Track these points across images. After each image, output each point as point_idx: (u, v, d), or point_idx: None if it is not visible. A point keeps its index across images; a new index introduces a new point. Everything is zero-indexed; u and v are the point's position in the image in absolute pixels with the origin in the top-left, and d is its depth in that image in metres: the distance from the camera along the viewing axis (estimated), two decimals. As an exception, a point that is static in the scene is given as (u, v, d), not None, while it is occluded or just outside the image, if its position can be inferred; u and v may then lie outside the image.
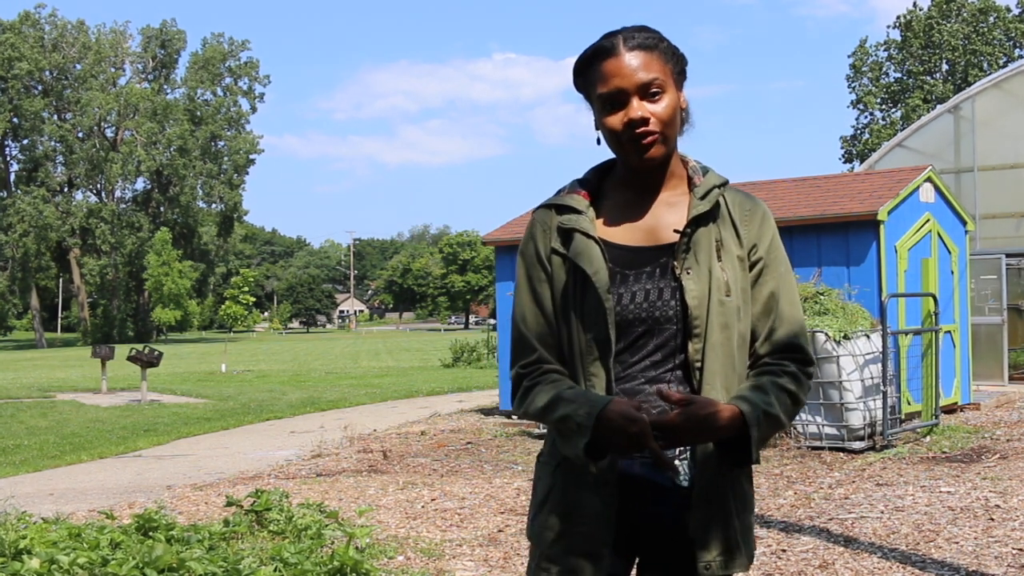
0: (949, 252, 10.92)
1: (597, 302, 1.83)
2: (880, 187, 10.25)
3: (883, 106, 50.51)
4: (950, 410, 10.53)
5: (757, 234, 1.90)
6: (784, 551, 5.10)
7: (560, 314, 1.89)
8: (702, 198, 1.87)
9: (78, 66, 66.27)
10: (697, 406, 1.71)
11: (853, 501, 6.29)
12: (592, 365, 1.84)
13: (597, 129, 1.90)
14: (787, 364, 1.85)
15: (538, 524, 1.91)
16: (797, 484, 6.95)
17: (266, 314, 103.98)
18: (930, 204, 10.59)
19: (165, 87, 70.42)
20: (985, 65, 45.85)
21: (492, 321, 50.10)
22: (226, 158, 70.14)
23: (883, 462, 7.77)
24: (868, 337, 8.73)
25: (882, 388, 8.56)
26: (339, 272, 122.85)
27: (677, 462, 1.82)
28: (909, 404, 9.47)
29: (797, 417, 8.62)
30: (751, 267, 1.89)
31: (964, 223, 11.39)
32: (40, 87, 65.88)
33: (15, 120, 64.69)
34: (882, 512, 5.92)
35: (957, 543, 5.13)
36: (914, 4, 49.01)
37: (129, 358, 15.96)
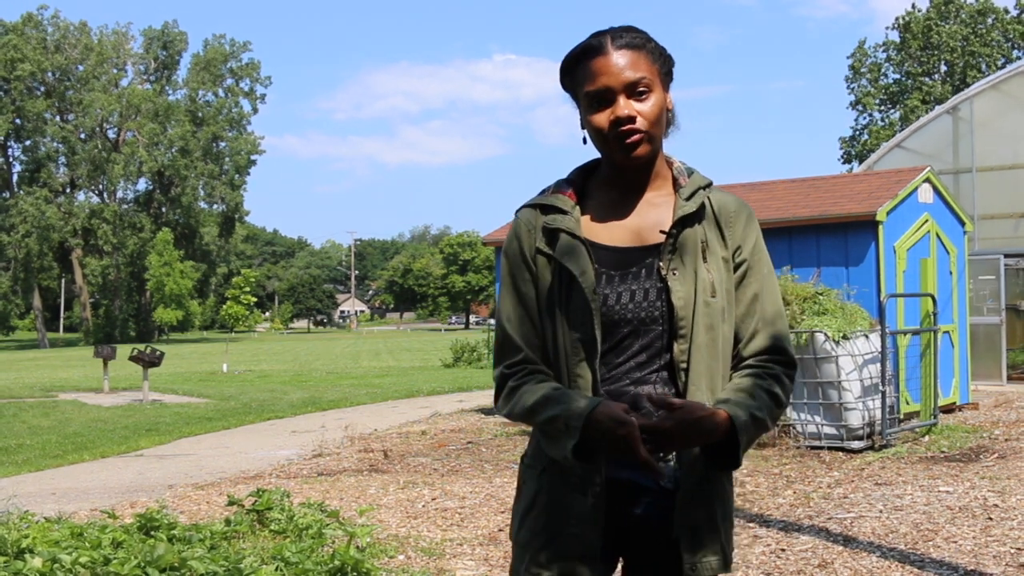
0: (948, 252, 10.94)
1: (583, 302, 1.82)
2: (879, 188, 10.27)
3: (882, 107, 50.52)
4: (949, 410, 10.54)
5: (742, 235, 1.90)
6: (783, 550, 5.12)
7: (545, 314, 1.88)
8: (688, 199, 1.87)
9: (80, 67, 66.33)
10: (686, 410, 1.69)
11: (852, 500, 6.31)
12: (577, 366, 1.83)
13: (583, 128, 1.89)
14: (771, 366, 1.85)
15: (527, 529, 1.89)
16: (796, 483, 6.97)
17: (267, 314, 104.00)
18: (929, 205, 10.61)
19: (167, 88, 70.48)
20: (983, 66, 45.86)
21: (492, 321, 50.07)
22: (227, 159, 70.21)
23: (882, 462, 7.80)
24: (867, 337, 8.75)
25: (881, 388, 8.58)
26: (340, 272, 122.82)
27: (662, 464, 1.81)
28: (908, 404, 9.49)
29: (796, 417, 8.66)
30: (735, 268, 1.89)
31: (963, 224, 11.41)
32: (42, 88, 65.94)
33: (18, 121, 64.76)
34: (881, 511, 5.94)
35: (956, 542, 5.15)
36: (913, 5, 49.03)
37: (131, 358, 15.98)
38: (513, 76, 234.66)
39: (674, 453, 1.82)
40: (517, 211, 1.96)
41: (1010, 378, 14.05)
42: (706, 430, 1.70)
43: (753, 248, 1.91)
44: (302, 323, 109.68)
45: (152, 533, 4.80)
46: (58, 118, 66.39)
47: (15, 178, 67.12)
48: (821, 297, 9.11)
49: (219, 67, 69.94)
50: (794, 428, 8.65)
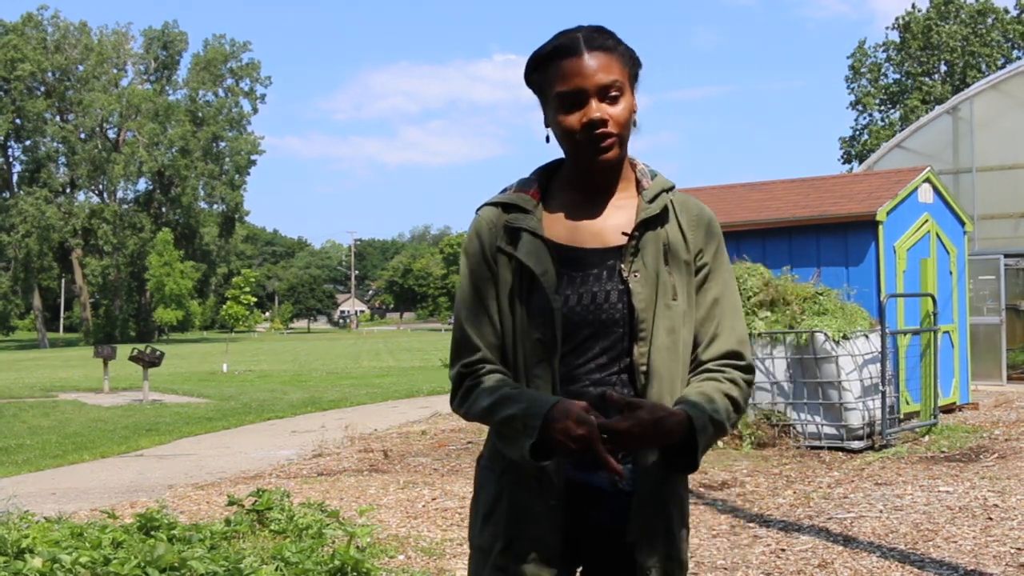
0: (948, 252, 10.94)
1: (544, 302, 1.81)
2: (879, 188, 10.27)
3: (882, 107, 50.54)
4: (948, 410, 10.55)
5: (704, 240, 1.89)
6: (783, 550, 5.12)
7: (504, 314, 1.85)
8: (651, 201, 1.86)
9: (80, 67, 66.35)
10: (646, 410, 1.68)
11: (852, 500, 6.31)
12: (537, 367, 1.81)
13: (547, 126, 1.87)
14: (729, 371, 1.85)
15: (488, 532, 1.87)
16: (796, 483, 6.97)
17: (267, 314, 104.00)
18: (929, 205, 10.61)
19: (167, 88, 70.50)
20: (983, 66, 45.87)
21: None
22: (227, 159, 70.22)
23: (882, 462, 7.80)
24: (867, 337, 8.75)
25: (881, 388, 8.58)
26: (340, 272, 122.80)
27: (620, 465, 1.76)
28: (908, 404, 9.49)
29: (796, 417, 8.66)
30: (696, 272, 1.88)
31: (963, 224, 11.41)
32: (43, 88, 65.95)
33: (18, 121, 64.77)
34: (881, 511, 5.94)
35: (955, 542, 5.15)
36: (913, 5, 49.06)
37: (131, 358, 15.98)
38: (513, 76, 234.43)
39: (632, 455, 1.80)
40: (478, 209, 1.94)
41: (1010, 378, 14.05)
42: (666, 431, 1.69)
43: (715, 252, 1.90)
44: (302, 323, 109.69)
45: (152, 533, 4.80)
46: (58, 118, 66.40)
47: (15, 178, 67.17)
48: (821, 297, 9.11)
49: (219, 67, 69.96)
50: (794, 428, 8.65)
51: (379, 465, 8.47)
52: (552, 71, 1.82)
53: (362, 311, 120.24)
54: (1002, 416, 10.32)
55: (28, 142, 66.14)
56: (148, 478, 8.43)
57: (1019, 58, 44.70)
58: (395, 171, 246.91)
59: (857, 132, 50.67)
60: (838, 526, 5.62)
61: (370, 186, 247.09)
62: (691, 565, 4.93)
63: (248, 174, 71.97)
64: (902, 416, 9.18)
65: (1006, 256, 14.55)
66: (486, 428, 1.91)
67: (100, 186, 68.36)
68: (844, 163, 50.53)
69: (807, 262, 10.00)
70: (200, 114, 68.48)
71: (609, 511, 1.83)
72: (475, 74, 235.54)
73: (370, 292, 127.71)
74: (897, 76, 50.15)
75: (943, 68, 48.76)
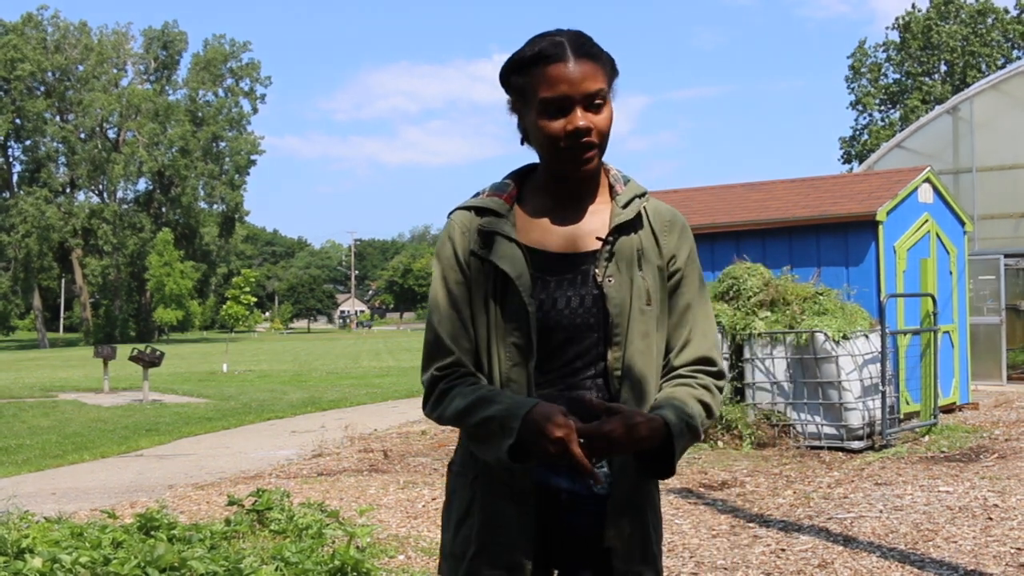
0: (948, 252, 10.95)
1: (519, 306, 1.80)
2: (879, 188, 10.27)
3: (882, 107, 50.55)
4: (949, 410, 10.55)
5: (676, 245, 1.89)
6: (783, 550, 5.12)
7: (478, 318, 1.84)
8: (624, 207, 1.86)
9: (80, 67, 66.33)
10: (624, 415, 1.68)
11: (852, 500, 6.31)
12: (511, 371, 1.80)
13: (520, 129, 1.87)
14: (701, 377, 1.85)
15: (460, 539, 1.85)
16: (796, 483, 6.97)
17: (267, 314, 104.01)
18: (929, 205, 10.62)
19: (167, 88, 70.48)
20: (983, 66, 45.88)
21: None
22: (227, 159, 70.20)
23: (882, 462, 7.80)
24: (867, 337, 8.76)
25: (881, 388, 8.58)
26: (340, 272, 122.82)
27: (596, 470, 1.76)
28: (908, 404, 9.50)
29: (797, 417, 8.66)
30: (669, 277, 1.88)
31: (963, 224, 11.41)
32: (42, 88, 65.94)
33: (17, 121, 64.74)
34: (881, 511, 5.94)
35: (955, 542, 5.15)
36: (913, 5, 49.07)
37: (131, 358, 15.98)
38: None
39: (607, 460, 1.80)
40: (450, 213, 1.93)
41: (1010, 378, 14.05)
42: (643, 436, 1.68)
43: (688, 258, 1.91)
44: (302, 323, 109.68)
45: (152, 533, 4.80)
46: (58, 118, 66.40)
47: (15, 178, 67.15)
48: (821, 297, 9.11)
49: (219, 67, 69.94)
50: (794, 428, 8.65)
51: (379, 465, 8.47)
52: (536, 75, 1.79)
53: (362, 311, 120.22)
54: (1002, 416, 10.32)
55: (28, 142, 66.13)
56: (148, 478, 8.43)
57: (1019, 58, 44.71)
58: (395, 171, 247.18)
59: (857, 132, 50.69)
60: (838, 526, 5.62)
61: (370, 186, 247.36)
62: (691, 565, 4.93)
63: (248, 174, 71.96)
64: (902, 416, 9.19)
65: (1006, 256, 14.55)
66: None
67: (100, 186, 68.36)
68: (844, 163, 50.59)
69: (807, 262, 10.00)
70: (200, 114, 68.46)
71: (584, 516, 1.82)
72: (475, 74, 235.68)
73: (370, 292, 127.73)
74: (897, 76, 50.17)
75: (943, 68, 48.77)
